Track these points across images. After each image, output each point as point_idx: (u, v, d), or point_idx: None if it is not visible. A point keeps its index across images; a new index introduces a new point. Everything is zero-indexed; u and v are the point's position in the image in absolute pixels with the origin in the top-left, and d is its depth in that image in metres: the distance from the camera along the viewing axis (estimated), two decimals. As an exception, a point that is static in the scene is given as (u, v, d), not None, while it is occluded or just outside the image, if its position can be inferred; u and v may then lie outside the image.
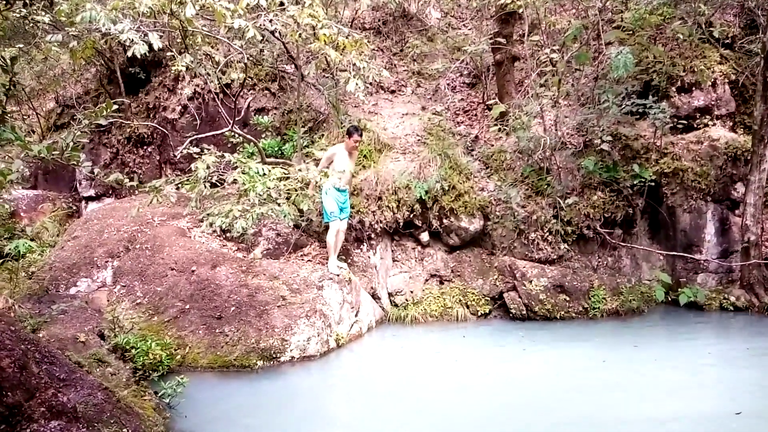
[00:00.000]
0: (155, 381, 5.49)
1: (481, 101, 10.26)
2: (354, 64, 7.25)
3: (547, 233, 8.57)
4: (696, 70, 8.73)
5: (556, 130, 8.65)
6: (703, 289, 8.33)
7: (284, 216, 6.73)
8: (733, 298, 8.19)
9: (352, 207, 8.18)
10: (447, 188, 8.54)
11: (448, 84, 10.61)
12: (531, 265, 8.44)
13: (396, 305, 8.55)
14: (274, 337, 6.47)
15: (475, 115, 10.11)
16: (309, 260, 7.98)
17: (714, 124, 8.87)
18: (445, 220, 8.67)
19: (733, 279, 8.51)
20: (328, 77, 9.30)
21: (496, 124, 9.22)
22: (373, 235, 8.56)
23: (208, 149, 6.94)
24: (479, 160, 9.28)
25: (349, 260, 8.20)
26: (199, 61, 7.36)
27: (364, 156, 8.92)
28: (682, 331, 7.49)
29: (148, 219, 8.36)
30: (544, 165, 8.75)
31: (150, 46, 5.78)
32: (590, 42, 9.02)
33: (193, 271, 7.16)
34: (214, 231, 7.90)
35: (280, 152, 9.23)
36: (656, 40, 9.20)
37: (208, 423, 5.00)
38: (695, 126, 8.88)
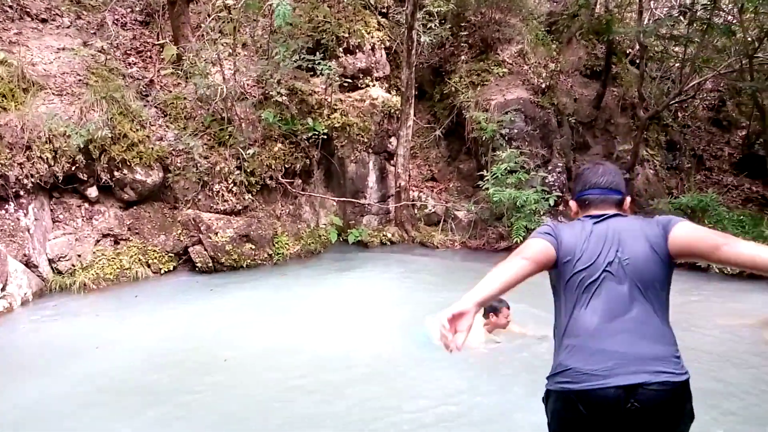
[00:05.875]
0: None
1: (156, 42, 9.41)
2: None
3: (232, 184, 8.57)
4: (359, 33, 9.75)
5: (235, 79, 8.57)
6: (367, 229, 9.68)
7: None
8: (389, 234, 9.74)
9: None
10: (117, 136, 7.66)
11: (116, 19, 9.37)
12: (217, 217, 8.35)
13: (60, 272, 7.42)
14: None
15: (150, 57, 9.23)
16: None
17: (374, 85, 10.16)
18: (116, 173, 7.82)
19: (390, 219, 10.11)
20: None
21: (172, 68, 8.62)
22: (22, 193, 7.14)
23: None
24: (155, 107, 8.56)
25: (-13, 224, 6.70)
26: None
27: (3, 96, 7.25)
28: (350, 265, 8.58)
29: None
30: (225, 115, 8.63)
31: None
32: (265, -8, 9.10)
33: None
34: None
35: None
36: (325, 1, 9.89)
37: None
38: (359, 85, 10.01)
